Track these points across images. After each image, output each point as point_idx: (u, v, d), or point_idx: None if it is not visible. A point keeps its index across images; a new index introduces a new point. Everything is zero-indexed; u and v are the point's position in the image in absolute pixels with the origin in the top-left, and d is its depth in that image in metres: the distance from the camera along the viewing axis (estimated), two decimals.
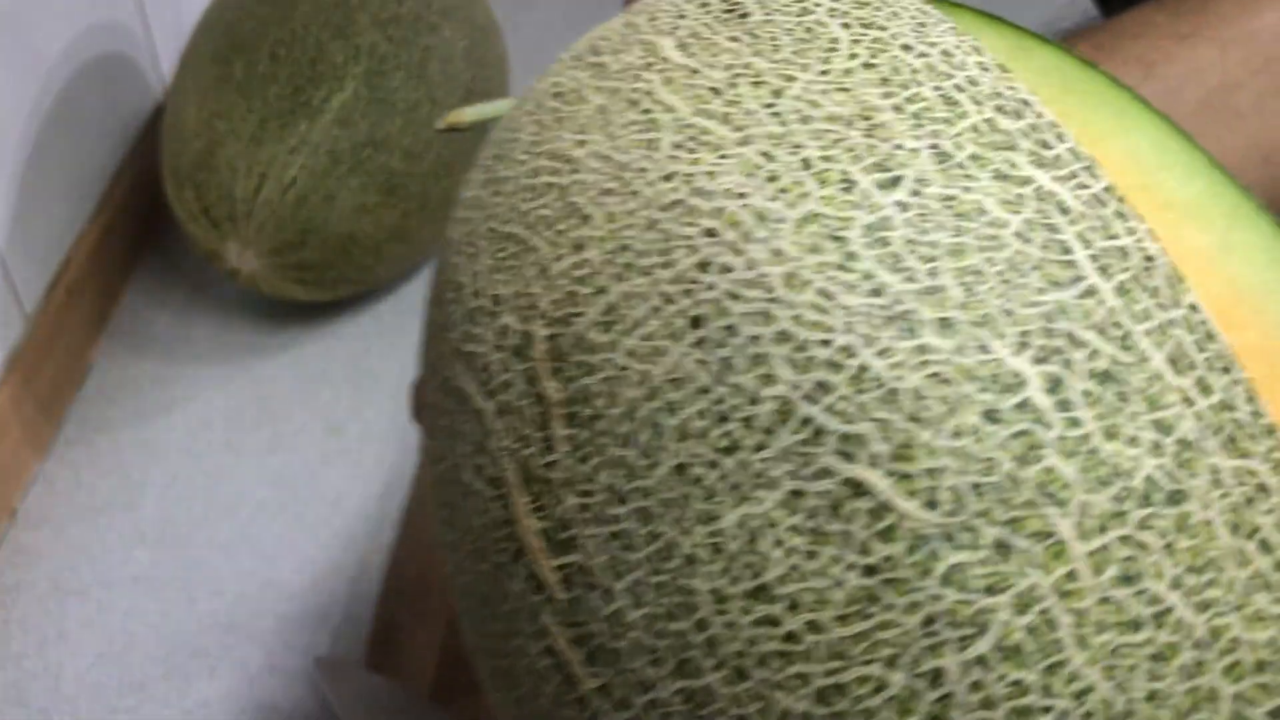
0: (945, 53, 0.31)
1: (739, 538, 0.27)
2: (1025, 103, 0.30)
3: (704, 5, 0.33)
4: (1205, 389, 0.27)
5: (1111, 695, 0.25)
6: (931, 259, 0.27)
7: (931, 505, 0.26)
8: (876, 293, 0.27)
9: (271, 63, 0.77)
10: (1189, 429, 0.27)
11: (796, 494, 0.26)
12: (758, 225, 0.28)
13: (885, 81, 0.30)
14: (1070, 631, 0.25)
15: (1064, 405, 0.26)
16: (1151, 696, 0.26)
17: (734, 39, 0.32)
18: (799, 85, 0.30)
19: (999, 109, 0.30)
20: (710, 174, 0.29)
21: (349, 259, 0.78)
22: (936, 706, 0.26)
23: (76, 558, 0.70)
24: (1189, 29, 0.47)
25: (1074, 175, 0.29)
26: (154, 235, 0.90)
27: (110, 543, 0.71)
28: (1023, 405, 0.26)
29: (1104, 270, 0.27)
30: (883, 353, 0.26)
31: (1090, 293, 0.27)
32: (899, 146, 0.29)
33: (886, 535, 0.26)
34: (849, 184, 0.28)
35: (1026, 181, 0.28)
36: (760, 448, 0.27)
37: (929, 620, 0.26)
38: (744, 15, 0.32)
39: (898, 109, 0.29)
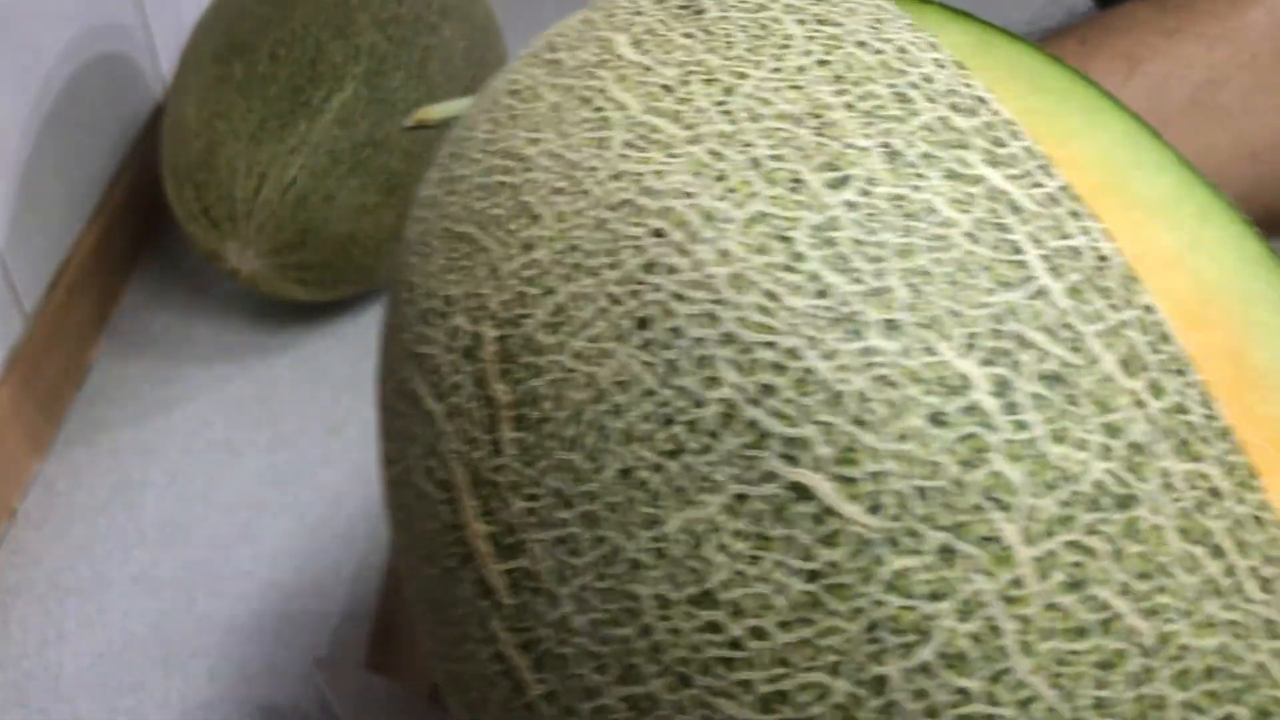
0: (901, 49, 0.30)
1: (683, 542, 0.26)
2: (981, 100, 0.29)
3: (660, 2, 0.33)
4: (1158, 391, 0.27)
5: (1057, 703, 0.25)
6: (878, 259, 0.27)
7: (875, 510, 0.25)
8: (822, 294, 0.27)
9: (271, 63, 0.77)
10: (1140, 432, 0.26)
11: (740, 498, 0.26)
12: (705, 225, 0.28)
13: (839, 79, 0.29)
14: (1015, 638, 0.25)
15: (1011, 408, 0.26)
16: (1098, 705, 0.25)
17: (689, 35, 0.31)
18: (751, 83, 0.30)
19: (953, 106, 0.29)
20: (659, 173, 0.29)
21: (349, 259, 0.78)
22: (879, 714, 0.25)
23: (76, 558, 0.70)
24: (1175, 25, 0.46)
25: (1028, 174, 0.28)
26: (154, 235, 0.90)
27: (110, 543, 0.71)
28: (969, 408, 0.26)
29: (1055, 270, 0.27)
30: (828, 355, 0.26)
31: (1040, 294, 0.27)
32: (849, 145, 0.28)
33: (829, 540, 0.25)
34: (797, 183, 0.28)
35: (978, 180, 0.28)
36: (705, 451, 0.26)
37: (872, 626, 0.25)
38: (699, 12, 0.32)
39: (849, 107, 0.29)
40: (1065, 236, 0.28)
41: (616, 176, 0.29)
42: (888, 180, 0.28)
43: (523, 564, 0.28)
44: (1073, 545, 0.25)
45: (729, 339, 0.27)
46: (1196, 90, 0.46)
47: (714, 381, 0.27)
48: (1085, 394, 0.26)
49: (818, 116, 0.29)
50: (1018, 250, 0.27)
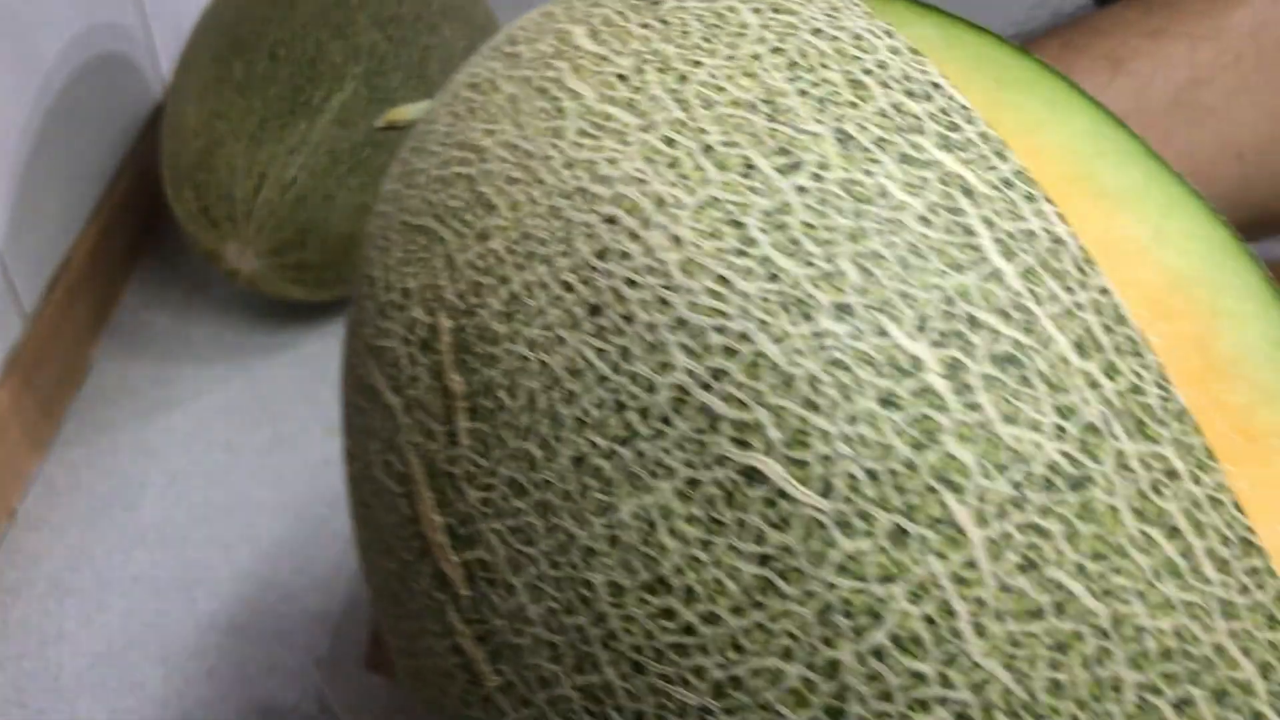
0: (856, 36, 0.30)
1: (635, 528, 0.26)
2: (935, 85, 0.29)
3: None
4: (1113, 372, 0.26)
5: (1012, 685, 0.25)
6: (830, 243, 0.27)
7: (826, 492, 0.25)
8: (774, 278, 0.26)
9: (271, 63, 0.77)
10: (1094, 413, 0.26)
11: (692, 483, 0.26)
12: (657, 211, 0.28)
13: (793, 65, 0.29)
14: (968, 621, 0.25)
15: (963, 389, 0.26)
16: (1053, 687, 0.25)
17: (645, 25, 0.31)
18: (705, 71, 0.30)
19: (908, 92, 0.29)
20: (612, 160, 0.29)
21: (349, 259, 0.78)
22: (833, 699, 0.25)
23: (76, 558, 0.70)
24: (1159, 25, 0.46)
25: (982, 158, 0.28)
26: (154, 235, 0.91)
27: (110, 543, 0.71)
28: (920, 390, 0.26)
29: (1008, 253, 0.27)
30: (779, 338, 0.26)
31: (993, 276, 0.27)
32: (802, 130, 0.28)
33: (781, 523, 0.25)
34: (750, 169, 0.28)
35: (932, 164, 0.28)
36: (657, 436, 0.26)
37: (824, 610, 0.25)
38: (656, 2, 0.32)
39: (803, 93, 0.29)
40: (1019, 219, 0.27)
41: (570, 165, 0.29)
42: (840, 165, 0.28)
43: (479, 555, 0.28)
44: (1026, 526, 0.25)
45: (680, 324, 0.27)
46: (1180, 90, 0.45)
47: (666, 366, 0.26)
48: (1038, 375, 0.26)
49: (771, 103, 0.29)
50: (970, 233, 0.27)
